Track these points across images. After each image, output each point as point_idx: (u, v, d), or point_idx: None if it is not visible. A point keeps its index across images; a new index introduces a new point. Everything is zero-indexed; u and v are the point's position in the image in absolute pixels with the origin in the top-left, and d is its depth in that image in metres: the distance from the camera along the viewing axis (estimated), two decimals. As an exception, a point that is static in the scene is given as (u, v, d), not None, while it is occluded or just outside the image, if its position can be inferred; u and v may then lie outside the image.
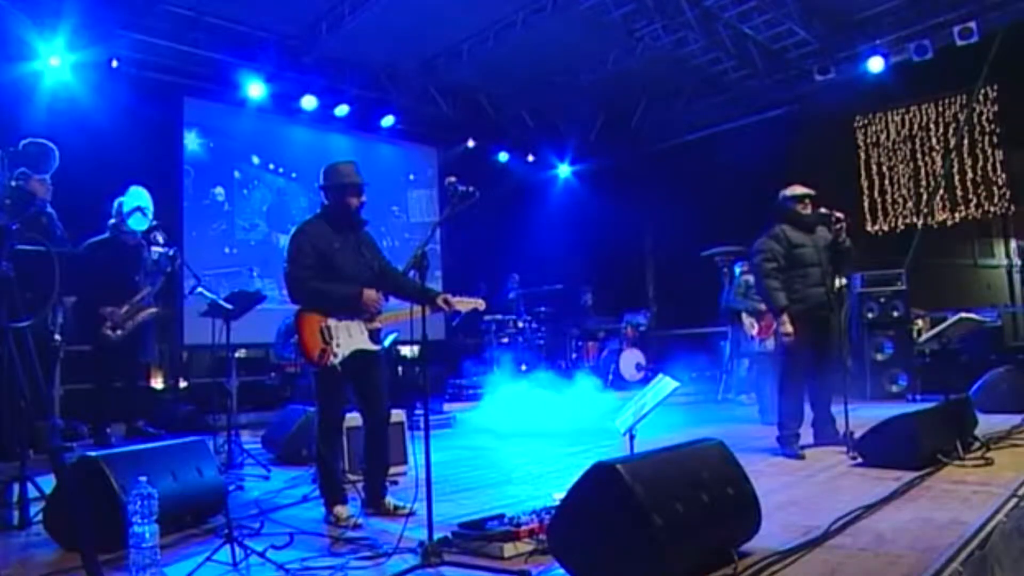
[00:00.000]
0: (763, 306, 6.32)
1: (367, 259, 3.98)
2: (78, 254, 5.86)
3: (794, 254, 5.33)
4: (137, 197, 5.87)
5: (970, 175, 10.28)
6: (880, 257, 9.25)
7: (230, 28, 8.90)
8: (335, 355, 3.78)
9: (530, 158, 12.56)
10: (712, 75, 10.74)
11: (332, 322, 3.81)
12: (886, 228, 10.84)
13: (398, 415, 5.14)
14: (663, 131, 11.96)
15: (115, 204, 6.01)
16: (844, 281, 6.73)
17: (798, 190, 5.46)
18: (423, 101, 10.93)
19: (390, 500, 3.89)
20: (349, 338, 3.83)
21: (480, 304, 4.11)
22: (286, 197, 10.66)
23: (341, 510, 3.73)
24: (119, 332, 5.98)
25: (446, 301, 3.86)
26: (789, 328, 5.21)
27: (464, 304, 4.00)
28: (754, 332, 7.13)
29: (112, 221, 6.03)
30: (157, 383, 8.84)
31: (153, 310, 6.23)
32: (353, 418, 4.81)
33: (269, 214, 10.43)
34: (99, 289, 5.94)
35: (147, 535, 2.69)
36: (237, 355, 6.63)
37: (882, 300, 8.73)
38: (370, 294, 3.84)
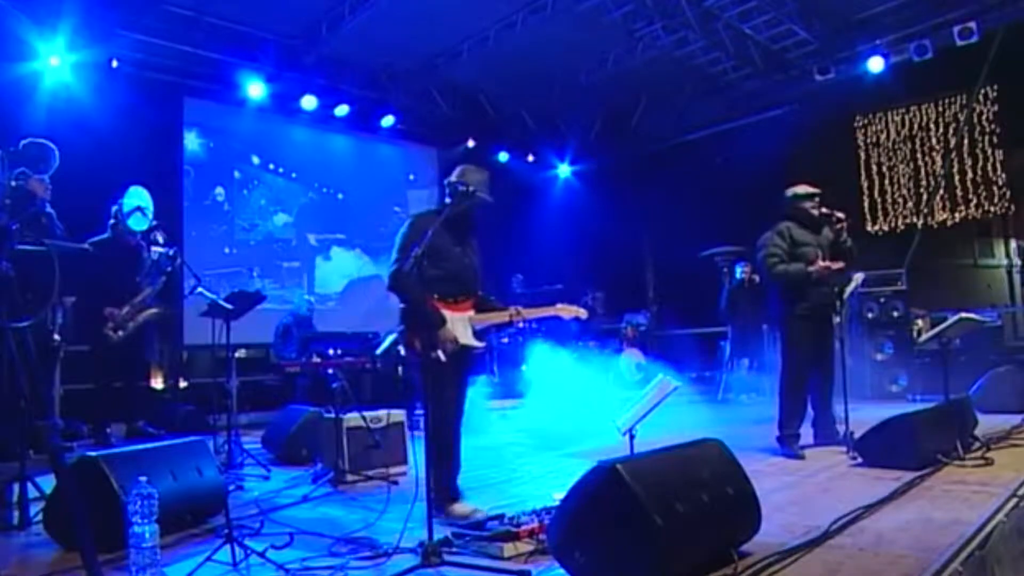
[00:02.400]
0: None
1: (474, 260, 3.97)
2: (83, 250, 5.87)
3: (797, 252, 5.31)
4: (137, 197, 5.87)
5: (970, 175, 10.27)
6: (880, 257, 9.24)
7: (230, 28, 8.90)
8: (440, 349, 3.65)
9: (530, 158, 12.57)
10: (712, 75, 10.74)
11: (447, 315, 3.76)
12: (886, 228, 10.84)
13: (398, 415, 5.15)
14: (663, 131, 11.95)
15: (115, 206, 6.03)
16: (860, 278, 6.56)
17: (805, 189, 5.44)
18: (423, 101, 10.93)
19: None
20: (457, 333, 3.78)
21: (583, 313, 4.06)
22: (286, 197, 10.67)
23: (460, 508, 3.70)
24: (120, 333, 6.01)
25: (518, 312, 3.90)
26: (822, 263, 5.14)
27: (568, 311, 4.00)
28: None
29: (112, 221, 6.04)
30: (157, 383, 8.83)
31: (154, 311, 6.25)
32: (352, 418, 4.82)
33: (269, 214, 10.44)
34: (100, 289, 5.95)
35: (147, 535, 2.69)
36: (237, 355, 6.61)
37: (882, 300, 8.74)
38: (447, 333, 3.70)
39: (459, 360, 3.81)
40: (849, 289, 6.16)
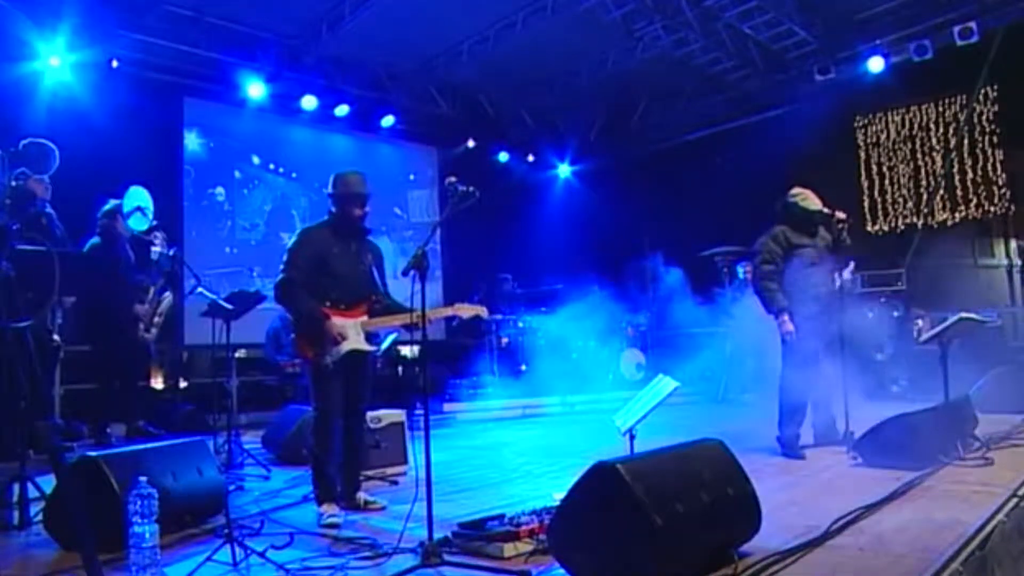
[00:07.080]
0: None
1: (367, 266, 4.04)
2: (81, 254, 5.87)
3: (794, 255, 5.31)
4: (137, 197, 5.86)
5: (970, 175, 10.28)
6: (880, 257, 9.25)
7: (230, 28, 8.90)
8: (330, 353, 3.84)
9: (530, 158, 12.57)
10: (712, 75, 10.74)
11: (339, 321, 3.88)
12: (886, 228, 10.84)
13: (398, 415, 5.15)
14: (663, 131, 11.96)
15: (105, 207, 6.04)
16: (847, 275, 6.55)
17: (812, 205, 5.34)
18: (423, 101, 10.93)
19: (361, 496, 4.01)
20: (345, 338, 3.88)
21: (482, 311, 4.14)
22: (286, 197, 10.67)
23: (328, 508, 3.77)
24: (152, 331, 6.09)
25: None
26: (790, 327, 5.20)
27: (466, 310, 4.04)
28: None
29: (104, 221, 6.03)
30: (157, 383, 8.82)
31: (168, 300, 6.28)
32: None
33: (269, 214, 10.44)
34: (106, 291, 5.97)
35: (147, 535, 2.69)
36: (237, 355, 6.62)
37: (882, 300, 8.74)
38: (332, 325, 3.85)
39: (348, 365, 3.92)
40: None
